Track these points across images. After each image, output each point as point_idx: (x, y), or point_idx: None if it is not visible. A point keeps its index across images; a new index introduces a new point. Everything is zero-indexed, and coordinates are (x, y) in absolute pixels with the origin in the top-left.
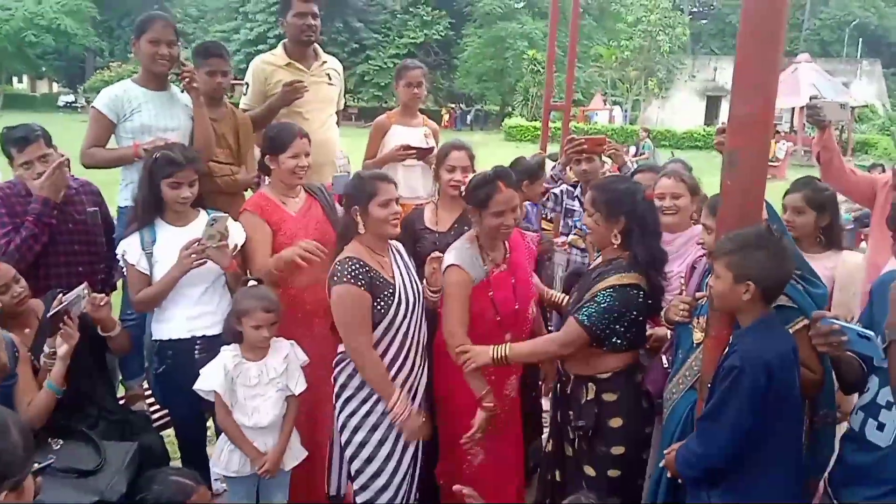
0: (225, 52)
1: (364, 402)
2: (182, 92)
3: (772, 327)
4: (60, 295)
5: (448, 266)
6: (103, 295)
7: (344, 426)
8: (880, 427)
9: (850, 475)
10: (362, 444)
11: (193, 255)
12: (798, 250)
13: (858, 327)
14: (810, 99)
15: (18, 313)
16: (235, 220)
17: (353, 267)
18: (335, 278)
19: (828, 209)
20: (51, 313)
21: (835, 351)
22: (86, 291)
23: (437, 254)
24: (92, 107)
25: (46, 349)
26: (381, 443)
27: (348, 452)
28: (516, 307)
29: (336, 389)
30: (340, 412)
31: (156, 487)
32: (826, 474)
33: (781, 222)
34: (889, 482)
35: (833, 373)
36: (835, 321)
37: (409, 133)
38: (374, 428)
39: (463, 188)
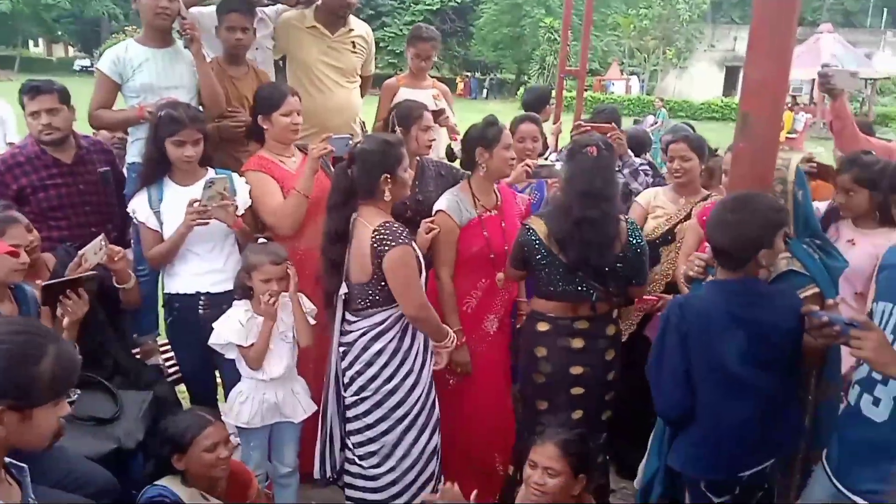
0: (246, 7)
1: (409, 369)
2: (185, 48)
3: (713, 285)
4: (77, 252)
5: (436, 211)
6: (121, 248)
7: (378, 404)
8: (875, 402)
9: (848, 453)
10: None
11: (195, 215)
12: (813, 219)
13: (844, 317)
14: (822, 67)
15: (29, 263)
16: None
17: (400, 229)
18: (389, 242)
19: (880, 185)
20: (45, 283)
21: (833, 341)
22: (103, 243)
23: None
24: (96, 68)
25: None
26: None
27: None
28: (506, 248)
29: (358, 367)
30: (364, 389)
31: (173, 418)
32: (824, 453)
33: (807, 188)
34: (886, 462)
35: (840, 347)
36: (823, 313)
37: (418, 95)
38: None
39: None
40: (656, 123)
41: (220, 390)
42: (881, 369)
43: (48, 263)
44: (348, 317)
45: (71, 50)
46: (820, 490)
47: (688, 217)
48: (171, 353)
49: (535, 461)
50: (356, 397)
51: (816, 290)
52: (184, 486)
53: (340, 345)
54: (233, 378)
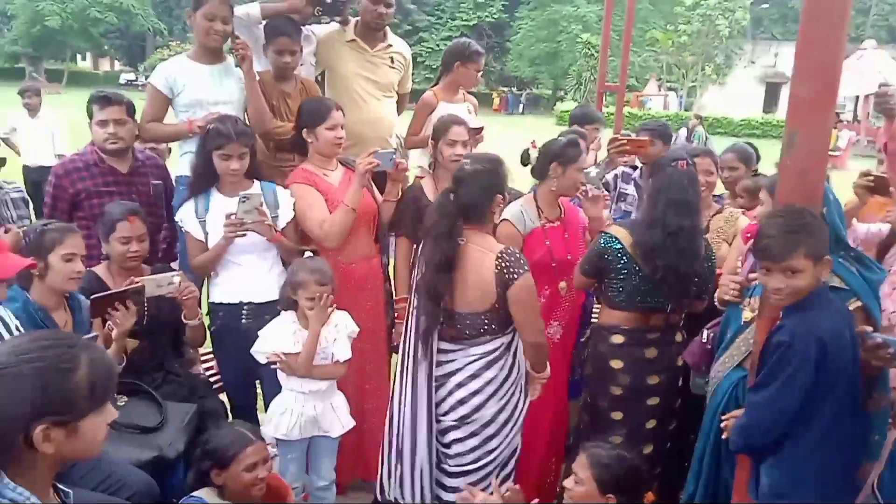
0: (293, 31)
1: (510, 399)
2: (237, 66)
3: (826, 302)
4: (141, 278)
5: (501, 220)
6: (194, 288)
7: (489, 422)
8: None
9: None
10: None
11: (231, 228)
12: (843, 232)
13: None
14: (879, 86)
15: (126, 269)
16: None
17: (521, 256)
18: (516, 271)
19: None
20: (94, 296)
21: (888, 363)
22: (178, 279)
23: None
24: (148, 82)
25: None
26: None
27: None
28: (568, 257)
29: (461, 394)
30: (480, 409)
31: (216, 432)
32: (876, 477)
33: (831, 204)
34: None
35: None
36: (876, 335)
37: (455, 110)
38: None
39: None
40: (692, 143)
41: (260, 402)
42: None
43: (144, 275)
44: (446, 346)
45: (117, 64)
46: None
47: (705, 230)
48: (212, 364)
49: (571, 468)
50: (455, 422)
51: (859, 303)
52: (220, 500)
53: (436, 376)
54: (273, 390)
